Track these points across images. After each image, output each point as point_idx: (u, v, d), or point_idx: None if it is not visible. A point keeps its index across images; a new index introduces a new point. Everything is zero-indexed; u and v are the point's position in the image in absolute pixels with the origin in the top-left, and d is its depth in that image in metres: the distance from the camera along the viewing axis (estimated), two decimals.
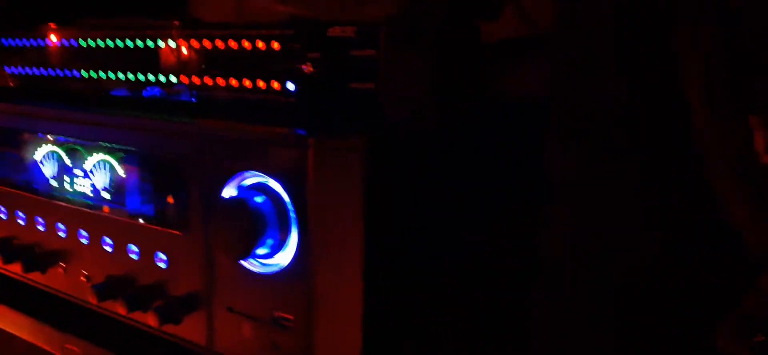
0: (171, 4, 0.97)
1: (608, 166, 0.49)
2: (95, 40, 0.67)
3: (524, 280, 0.54)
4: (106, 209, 0.65)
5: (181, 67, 0.60)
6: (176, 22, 0.61)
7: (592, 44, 0.48)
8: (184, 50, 0.60)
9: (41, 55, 0.73)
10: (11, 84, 0.79)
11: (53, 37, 0.72)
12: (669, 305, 0.51)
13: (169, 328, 0.60)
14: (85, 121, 0.67)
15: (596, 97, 0.48)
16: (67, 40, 0.70)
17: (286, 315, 0.53)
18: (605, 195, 0.50)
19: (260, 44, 0.54)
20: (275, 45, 0.54)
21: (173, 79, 0.61)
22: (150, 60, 0.63)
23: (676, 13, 0.44)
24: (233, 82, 0.56)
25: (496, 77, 0.54)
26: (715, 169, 0.42)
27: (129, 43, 0.64)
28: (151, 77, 0.63)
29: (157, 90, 0.63)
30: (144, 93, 0.64)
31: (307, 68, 0.52)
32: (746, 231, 0.42)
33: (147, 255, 0.62)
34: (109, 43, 0.66)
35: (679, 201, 0.51)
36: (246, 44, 0.55)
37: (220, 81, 0.57)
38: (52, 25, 0.72)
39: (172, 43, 0.60)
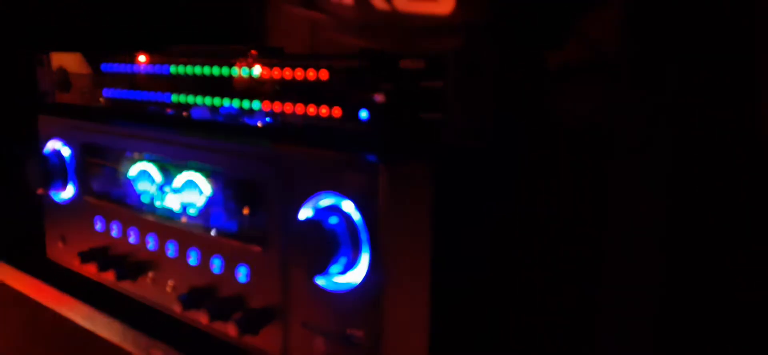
0: (250, 35, 1.02)
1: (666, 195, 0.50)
2: (180, 67, 0.72)
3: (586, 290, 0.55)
4: (192, 224, 0.70)
5: (259, 92, 0.64)
6: (254, 52, 0.65)
7: (658, 76, 0.48)
8: (264, 77, 0.64)
9: (131, 79, 0.79)
10: (103, 104, 0.84)
11: (142, 63, 0.77)
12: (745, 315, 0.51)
13: (247, 339, 0.64)
14: (175, 142, 0.71)
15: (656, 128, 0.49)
16: (155, 65, 0.75)
17: (356, 332, 0.56)
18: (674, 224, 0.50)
19: (336, 75, 0.57)
20: (350, 76, 0.57)
21: (253, 105, 0.64)
22: (230, 86, 0.67)
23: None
24: (311, 109, 0.59)
25: (559, 101, 0.56)
26: None
27: (211, 70, 0.68)
28: (230, 102, 0.67)
29: (234, 111, 0.67)
30: (221, 111, 0.68)
31: (380, 98, 0.55)
32: None
33: (229, 269, 0.66)
34: (192, 69, 0.70)
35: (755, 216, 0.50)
36: (322, 75, 0.58)
37: (299, 108, 0.60)
38: (143, 53, 0.77)
39: (252, 71, 0.64)
